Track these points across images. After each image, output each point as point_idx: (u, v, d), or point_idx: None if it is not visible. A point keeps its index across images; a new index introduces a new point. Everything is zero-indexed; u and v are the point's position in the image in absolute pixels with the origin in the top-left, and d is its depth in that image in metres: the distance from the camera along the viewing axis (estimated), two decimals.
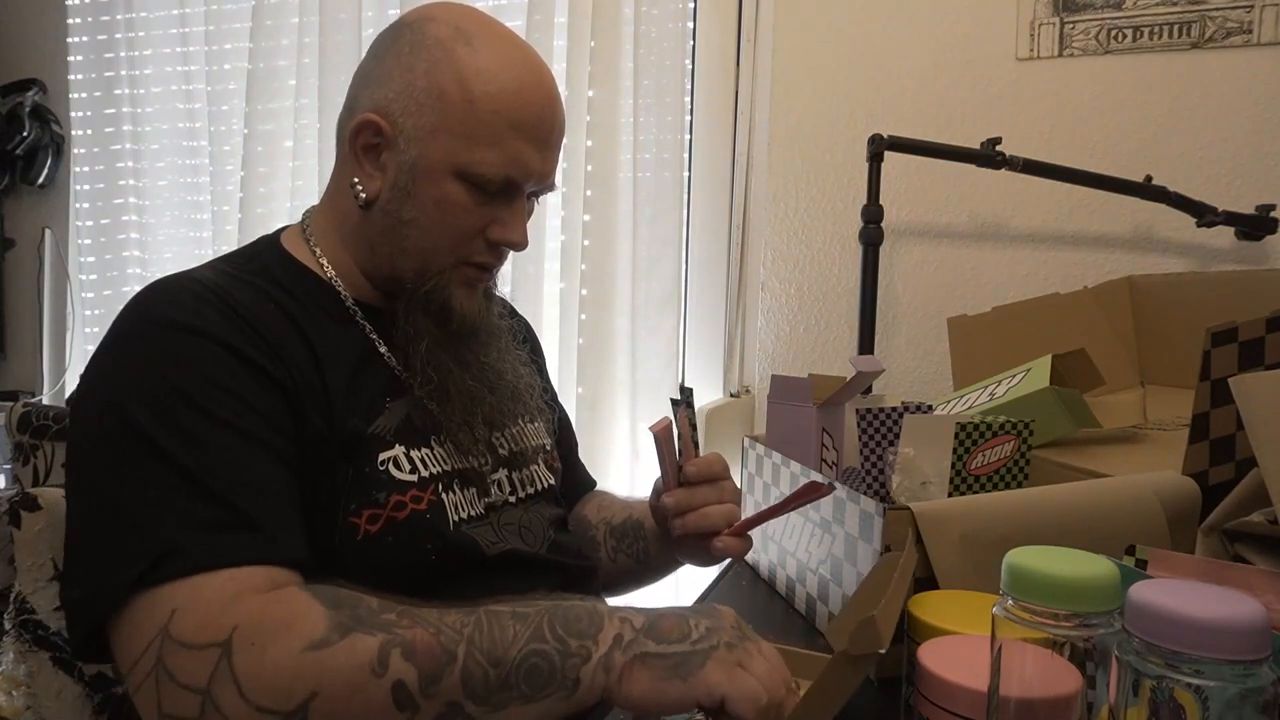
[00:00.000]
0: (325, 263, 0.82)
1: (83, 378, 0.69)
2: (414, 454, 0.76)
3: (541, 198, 0.92)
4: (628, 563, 0.99)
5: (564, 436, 1.07)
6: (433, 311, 0.81)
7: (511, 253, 0.85)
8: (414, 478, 0.75)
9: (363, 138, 0.78)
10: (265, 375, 0.69)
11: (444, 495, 0.77)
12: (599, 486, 1.12)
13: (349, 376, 0.76)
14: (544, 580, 0.82)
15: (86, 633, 0.62)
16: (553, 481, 0.93)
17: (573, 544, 0.92)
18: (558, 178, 0.92)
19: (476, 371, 0.84)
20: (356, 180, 0.80)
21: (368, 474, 0.73)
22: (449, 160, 0.76)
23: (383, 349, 0.80)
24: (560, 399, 1.09)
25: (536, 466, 0.91)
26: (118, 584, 0.59)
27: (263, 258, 0.81)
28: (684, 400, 0.83)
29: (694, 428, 0.87)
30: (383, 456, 0.74)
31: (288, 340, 0.72)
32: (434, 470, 0.77)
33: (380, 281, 0.83)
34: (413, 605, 0.61)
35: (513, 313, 1.03)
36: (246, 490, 0.64)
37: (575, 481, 1.07)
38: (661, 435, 0.81)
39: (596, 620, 0.60)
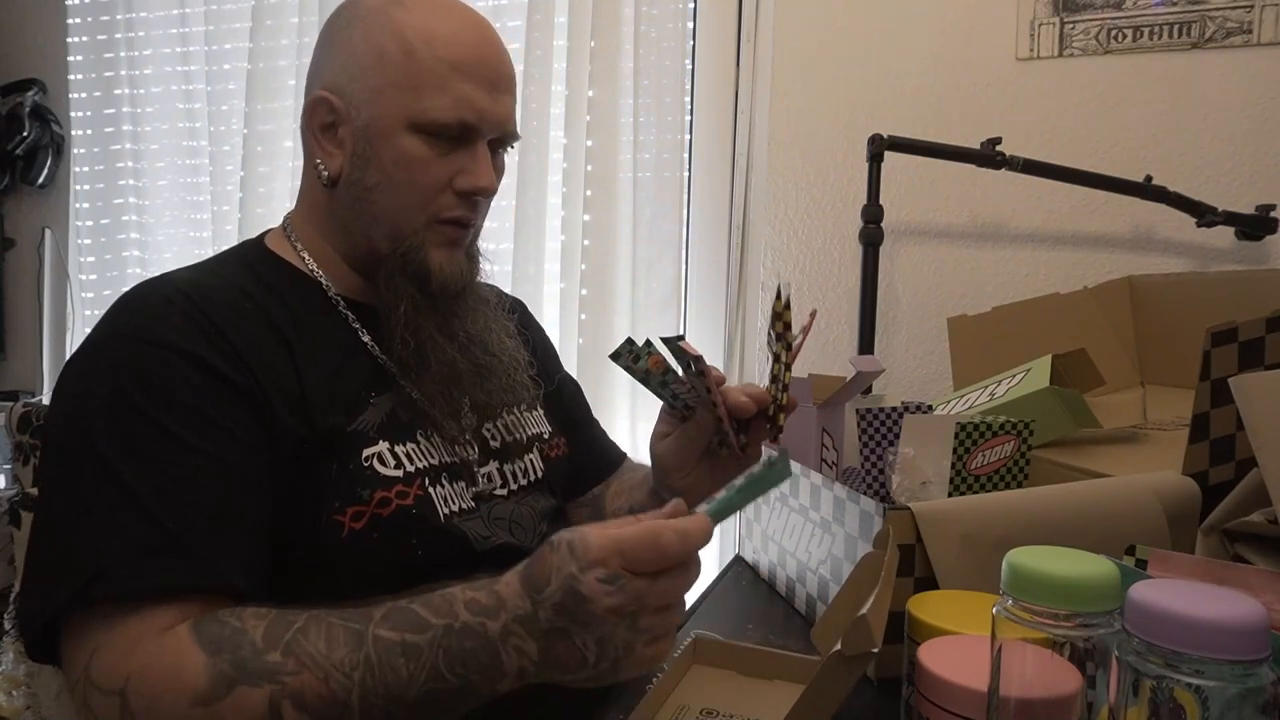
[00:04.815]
0: (307, 256, 0.82)
1: (55, 388, 0.70)
2: (399, 449, 0.76)
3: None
4: None
5: (575, 411, 1.04)
6: (411, 274, 0.79)
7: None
8: (399, 473, 0.75)
9: (318, 118, 0.79)
10: (229, 384, 0.68)
11: (431, 489, 0.76)
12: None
13: (330, 372, 0.75)
14: None
15: (34, 640, 0.64)
16: (545, 472, 0.91)
17: None
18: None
19: (463, 341, 0.82)
20: (319, 161, 0.80)
21: (351, 471, 0.72)
22: (400, 115, 0.76)
23: (367, 339, 0.79)
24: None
25: (531, 456, 0.89)
26: (53, 602, 0.61)
27: (247, 257, 0.81)
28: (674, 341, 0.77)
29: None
30: (366, 453, 0.73)
31: (262, 340, 0.72)
32: (420, 464, 0.76)
33: (361, 264, 0.82)
34: (299, 621, 0.59)
35: (500, 294, 1.00)
36: (189, 511, 0.63)
37: (596, 456, 1.04)
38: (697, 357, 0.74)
39: (492, 653, 0.57)
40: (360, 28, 0.78)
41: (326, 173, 0.80)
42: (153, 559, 0.61)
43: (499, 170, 0.83)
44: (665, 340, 0.74)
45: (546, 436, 0.93)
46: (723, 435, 0.80)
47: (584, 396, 1.09)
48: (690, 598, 1.04)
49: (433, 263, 0.79)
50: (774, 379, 0.78)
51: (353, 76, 0.77)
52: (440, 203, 0.79)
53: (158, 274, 0.76)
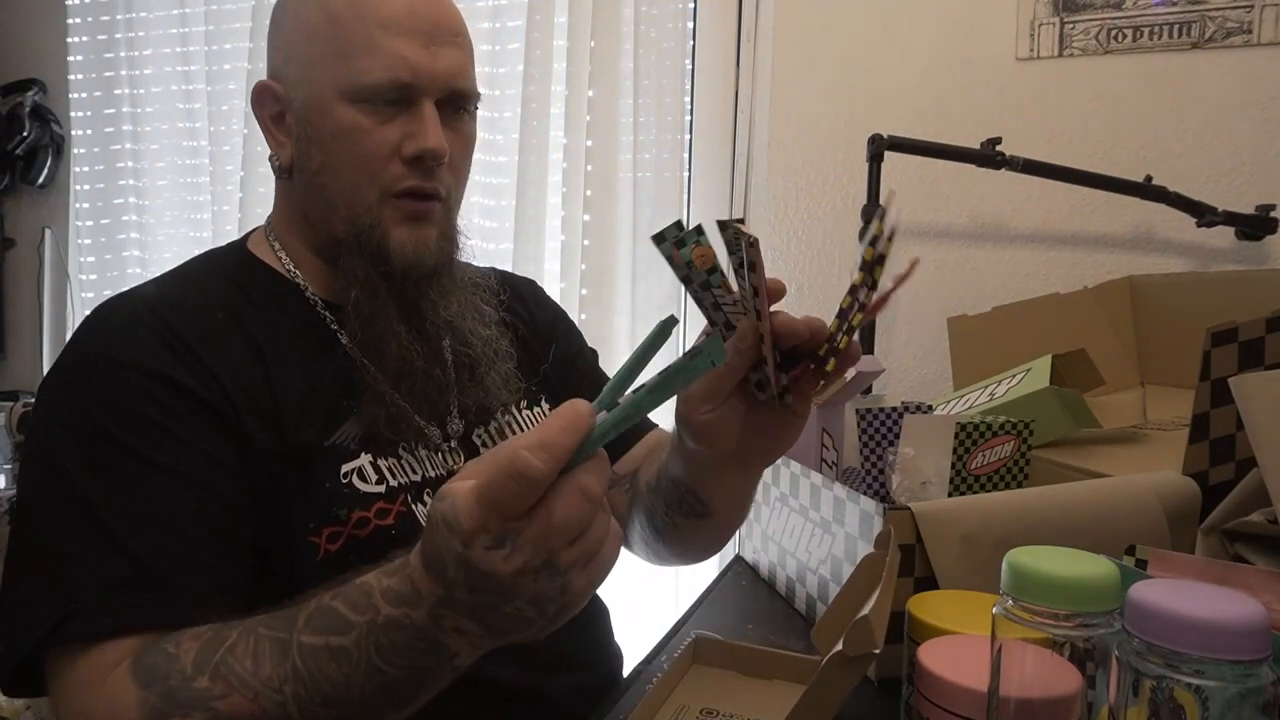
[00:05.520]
0: (284, 256, 0.78)
1: (32, 412, 0.69)
2: (381, 463, 0.72)
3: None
4: (685, 521, 0.75)
5: (589, 387, 0.92)
6: (368, 254, 0.73)
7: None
8: (380, 488, 0.71)
9: (266, 108, 0.77)
10: (198, 401, 0.66)
11: (414, 507, 0.72)
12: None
13: (306, 383, 0.71)
14: None
15: (9, 679, 0.62)
16: None
17: None
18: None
19: (433, 331, 0.76)
20: (272, 154, 0.77)
21: (328, 489, 0.69)
22: (333, 86, 0.72)
23: (347, 343, 0.75)
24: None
25: None
26: (26, 643, 0.59)
27: (225, 262, 0.79)
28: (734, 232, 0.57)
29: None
30: (346, 468, 0.70)
31: (233, 353, 0.69)
32: (402, 480, 0.73)
33: (332, 258, 0.77)
34: (231, 638, 0.56)
35: (499, 277, 0.92)
36: (161, 537, 0.62)
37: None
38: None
39: (429, 640, 0.50)
40: (292, 8, 0.75)
41: (279, 162, 0.77)
42: (123, 595, 0.60)
43: (465, 137, 0.77)
44: (723, 224, 0.57)
45: None
46: (761, 372, 0.62)
47: (600, 371, 1.00)
48: (690, 597, 1.05)
49: (392, 241, 0.73)
50: (841, 314, 0.60)
51: (288, 58, 0.75)
52: (390, 173, 0.73)
53: (124, 291, 0.73)
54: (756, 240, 0.54)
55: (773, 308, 0.60)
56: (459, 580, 0.47)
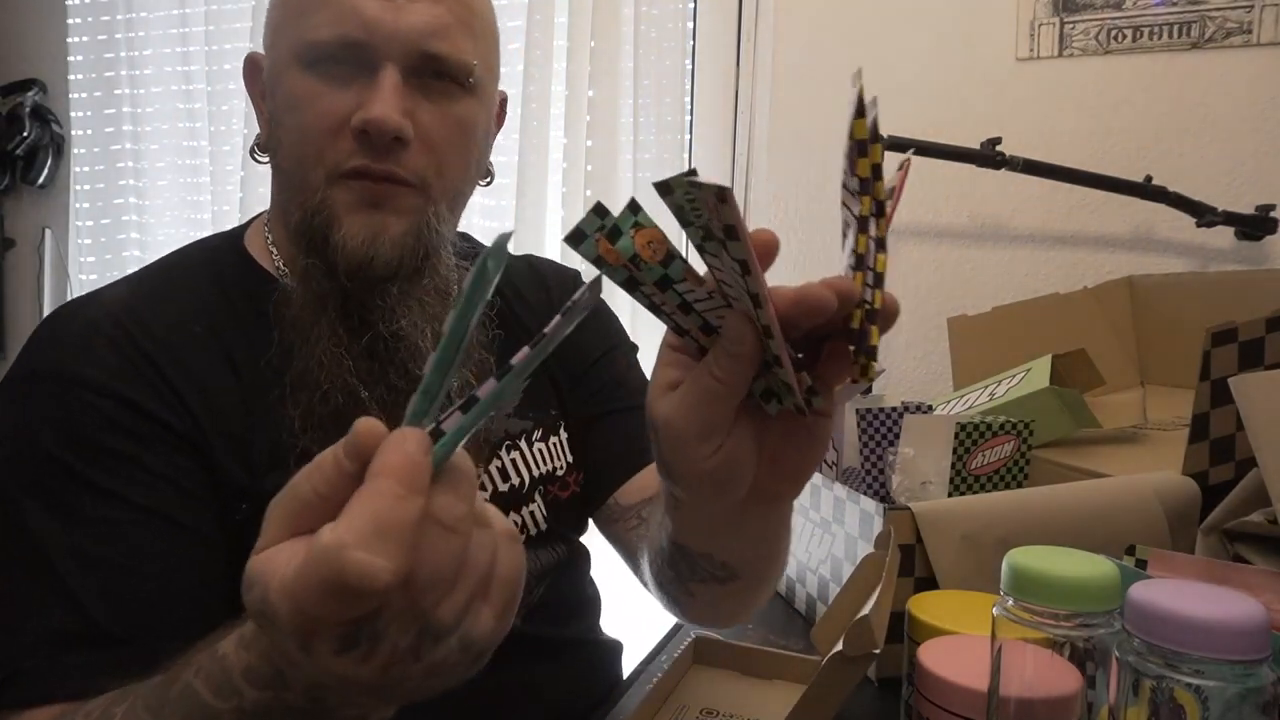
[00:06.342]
0: (275, 251, 0.70)
1: None
2: None
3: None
4: (705, 588, 0.60)
5: (603, 400, 0.80)
6: (315, 244, 0.63)
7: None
8: None
9: (256, 84, 0.70)
10: (162, 426, 0.58)
11: None
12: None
13: (289, 409, 0.62)
14: (512, 660, 0.53)
15: None
16: (549, 522, 0.75)
17: (563, 601, 0.75)
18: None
19: (384, 348, 0.65)
20: (257, 132, 0.70)
21: None
22: (289, 49, 0.63)
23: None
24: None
25: (532, 507, 0.74)
26: None
27: (216, 258, 0.71)
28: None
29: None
30: None
31: (206, 373, 0.61)
32: None
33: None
34: (110, 716, 0.47)
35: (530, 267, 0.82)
36: (121, 585, 0.55)
37: (614, 452, 0.79)
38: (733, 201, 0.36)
39: (328, 715, 0.39)
40: None
41: (256, 143, 0.69)
42: (70, 655, 0.53)
43: (453, 116, 0.65)
44: (664, 186, 0.36)
45: (559, 474, 0.77)
46: (773, 377, 0.43)
47: (637, 372, 0.83)
48: None
49: (338, 231, 0.62)
50: (858, 260, 0.41)
51: (266, 24, 0.68)
52: (338, 150, 0.62)
53: (86, 294, 0.65)
54: (729, 191, 0.35)
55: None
56: (320, 679, 0.36)
